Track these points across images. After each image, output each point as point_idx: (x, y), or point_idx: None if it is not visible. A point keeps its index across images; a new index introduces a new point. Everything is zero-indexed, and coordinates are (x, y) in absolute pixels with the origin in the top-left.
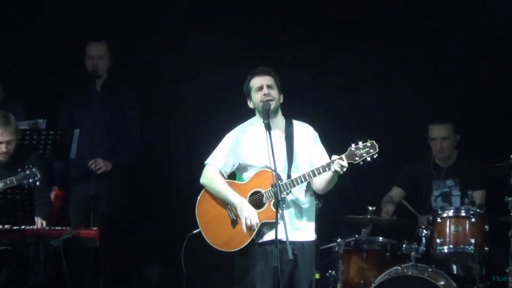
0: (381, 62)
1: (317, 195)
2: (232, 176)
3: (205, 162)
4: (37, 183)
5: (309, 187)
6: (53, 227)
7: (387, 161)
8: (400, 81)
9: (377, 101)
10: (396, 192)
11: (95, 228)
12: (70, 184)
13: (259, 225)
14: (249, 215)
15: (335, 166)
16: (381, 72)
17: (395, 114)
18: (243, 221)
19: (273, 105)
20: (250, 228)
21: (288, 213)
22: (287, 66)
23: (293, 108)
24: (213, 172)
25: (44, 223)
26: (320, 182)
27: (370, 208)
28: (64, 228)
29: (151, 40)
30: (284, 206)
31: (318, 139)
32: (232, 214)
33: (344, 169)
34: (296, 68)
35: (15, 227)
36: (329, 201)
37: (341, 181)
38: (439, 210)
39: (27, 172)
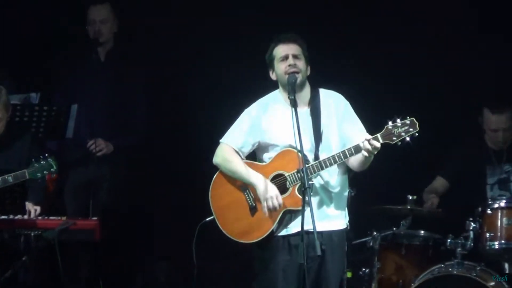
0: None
1: (350, 180)
2: (251, 157)
3: (220, 140)
4: (53, 175)
5: (340, 167)
6: (46, 217)
7: (431, 145)
8: (445, 56)
9: (416, 77)
10: (440, 183)
11: (95, 218)
12: (67, 168)
13: (282, 211)
14: (272, 195)
15: (366, 146)
16: (421, 45)
17: (439, 92)
18: (264, 204)
19: (299, 78)
20: (273, 210)
21: (316, 200)
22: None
23: (320, 79)
24: (229, 151)
25: (38, 209)
26: (354, 161)
27: (410, 197)
28: (59, 218)
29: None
30: (311, 192)
31: (350, 110)
32: (251, 199)
33: (375, 152)
34: (322, 34)
35: (2, 216)
36: (363, 189)
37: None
38: (489, 200)
39: (42, 162)
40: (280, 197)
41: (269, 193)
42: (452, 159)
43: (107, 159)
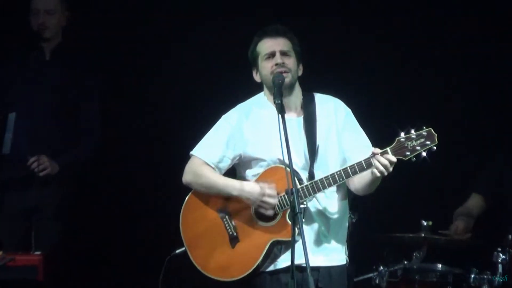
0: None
1: (350, 204)
2: (231, 175)
3: (191, 153)
4: None
5: (340, 189)
6: None
7: (452, 160)
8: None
9: (433, 78)
10: (474, 202)
11: (38, 253)
12: (2, 191)
13: (270, 242)
14: (261, 193)
15: (376, 165)
16: (445, 43)
17: (461, 95)
18: (265, 206)
19: (288, 79)
20: (275, 205)
21: (310, 228)
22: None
23: (318, 84)
24: (201, 165)
25: None
26: (358, 183)
27: (425, 223)
28: None
29: None
30: (304, 219)
31: (353, 119)
32: (231, 227)
33: (390, 169)
34: (323, 30)
35: None
36: (367, 213)
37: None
38: None
39: None
40: (273, 188)
41: (260, 191)
42: (490, 173)
43: (52, 180)
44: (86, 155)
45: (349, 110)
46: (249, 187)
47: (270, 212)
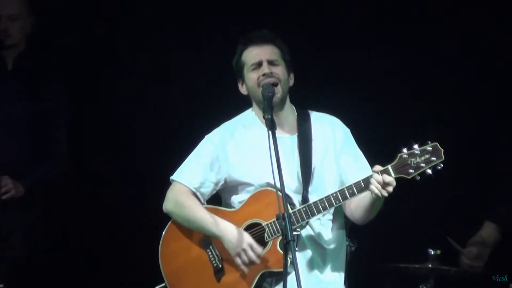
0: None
1: (348, 232)
2: (215, 201)
3: (171, 177)
4: None
5: (337, 216)
6: None
7: (462, 180)
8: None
9: (445, 88)
10: (489, 231)
11: (1, 285)
12: None
13: (260, 273)
14: (244, 248)
15: (375, 185)
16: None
17: (473, 104)
18: (237, 260)
19: (278, 92)
20: (250, 264)
21: (304, 258)
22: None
23: (313, 98)
24: (183, 193)
25: None
26: (356, 207)
27: (433, 253)
28: None
29: None
30: (297, 248)
31: (352, 140)
32: (216, 258)
33: (390, 189)
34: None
35: None
36: (368, 240)
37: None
38: None
39: None
40: (256, 247)
41: (240, 245)
42: (505, 200)
43: (17, 203)
44: (53, 175)
45: (348, 130)
46: (229, 236)
47: (238, 263)
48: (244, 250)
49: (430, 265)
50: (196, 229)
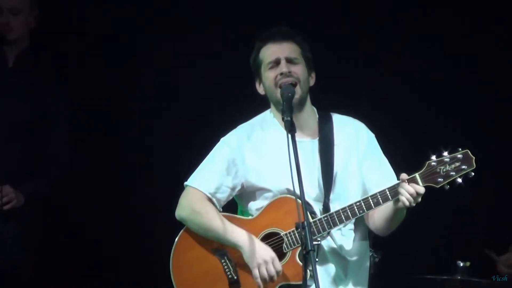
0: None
1: (372, 241)
2: (230, 207)
3: (186, 183)
4: None
5: (359, 226)
6: None
7: (495, 188)
8: None
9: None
10: None
11: None
12: None
13: (278, 286)
14: (267, 260)
15: (405, 195)
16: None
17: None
18: (255, 273)
19: (297, 92)
20: (270, 281)
21: (324, 270)
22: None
23: (336, 99)
24: (198, 200)
25: None
26: (379, 218)
27: (462, 264)
28: None
29: None
30: (317, 259)
31: (376, 146)
32: (231, 269)
33: (419, 199)
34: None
35: None
36: (392, 251)
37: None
38: None
39: None
40: (278, 262)
41: (262, 257)
42: None
43: (15, 212)
44: (53, 182)
45: (373, 135)
46: (248, 248)
47: (257, 281)
48: (266, 262)
49: (459, 277)
50: (213, 238)
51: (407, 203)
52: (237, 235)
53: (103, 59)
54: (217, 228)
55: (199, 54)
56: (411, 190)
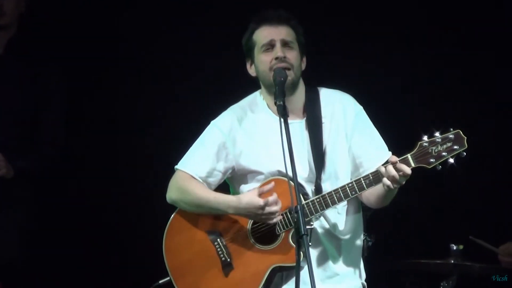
0: None
1: (365, 225)
2: (222, 190)
3: (176, 167)
4: None
5: (352, 203)
6: None
7: (488, 170)
8: None
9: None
10: None
11: None
12: None
13: (270, 268)
14: (260, 206)
15: (389, 175)
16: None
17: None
18: (266, 221)
19: (290, 77)
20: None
21: (317, 251)
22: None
23: (325, 77)
24: (186, 180)
25: None
26: (370, 194)
27: (455, 248)
28: None
29: None
30: (310, 242)
31: (365, 117)
32: (224, 251)
33: (402, 182)
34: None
35: None
36: (387, 234)
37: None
38: None
39: None
40: (277, 199)
41: (257, 207)
42: None
43: (10, 195)
44: (43, 165)
45: (360, 108)
46: (246, 199)
47: (275, 220)
48: (261, 208)
49: (452, 261)
50: (206, 211)
51: (389, 184)
52: (229, 200)
53: (93, 45)
54: (208, 201)
55: (186, 38)
56: (393, 172)
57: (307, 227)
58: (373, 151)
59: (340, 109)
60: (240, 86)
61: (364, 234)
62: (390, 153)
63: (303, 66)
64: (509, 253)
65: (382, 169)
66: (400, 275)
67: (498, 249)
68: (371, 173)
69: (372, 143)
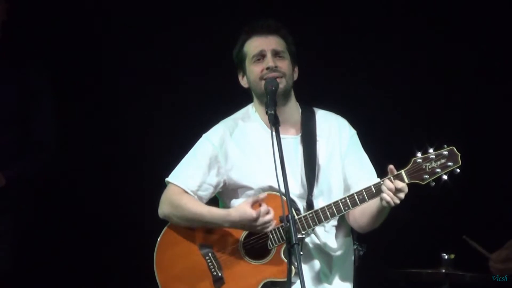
0: None
1: (356, 235)
2: (212, 205)
3: (167, 179)
4: None
5: (343, 222)
6: None
7: (479, 181)
8: None
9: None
10: None
11: None
12: None
13: (262, 283)
14: (253, 218)
15: (386, 192)
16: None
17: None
18: (262, 231)
19: (282, 84)
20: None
21: (309, 266)
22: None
23: (318, 94)
24: (177, 194)
25: None
26: (361, 215)
27: (446, 257)
28: None
29: None
30: (302, 254)
31: (358, 143)
32: (215, 266)
33: (402, 196)
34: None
35: None
36: (378, 244)
37: (397, 212)
38: None
39: None
40: (268, 208)
41: (248, 218)
42: None
43: (5, 205)
44: (35, 169)
45: (354, 132)
46: (239, 212)
47: (271, 228)
48: (255, 220)
49: (443, 270)
50: (198, 225)
51: (389, 200)
52: (223, 214)
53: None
54: (201, 215)
55: (182, 49)
56: (392, 187)
57: (298, 236)
58: (363, 175)
59: (336, 129)
60: (231, 99)
61: (355, 244)
62: (379, 179)
63: (295, 76)
64: (501, 260)
65: (383, 186)
66: (392, 285)
67: (491, 256)
68: (364, 189)
69: (362, 167)
